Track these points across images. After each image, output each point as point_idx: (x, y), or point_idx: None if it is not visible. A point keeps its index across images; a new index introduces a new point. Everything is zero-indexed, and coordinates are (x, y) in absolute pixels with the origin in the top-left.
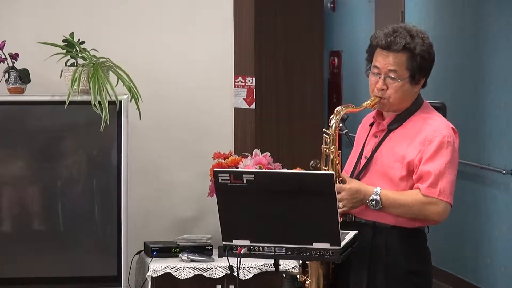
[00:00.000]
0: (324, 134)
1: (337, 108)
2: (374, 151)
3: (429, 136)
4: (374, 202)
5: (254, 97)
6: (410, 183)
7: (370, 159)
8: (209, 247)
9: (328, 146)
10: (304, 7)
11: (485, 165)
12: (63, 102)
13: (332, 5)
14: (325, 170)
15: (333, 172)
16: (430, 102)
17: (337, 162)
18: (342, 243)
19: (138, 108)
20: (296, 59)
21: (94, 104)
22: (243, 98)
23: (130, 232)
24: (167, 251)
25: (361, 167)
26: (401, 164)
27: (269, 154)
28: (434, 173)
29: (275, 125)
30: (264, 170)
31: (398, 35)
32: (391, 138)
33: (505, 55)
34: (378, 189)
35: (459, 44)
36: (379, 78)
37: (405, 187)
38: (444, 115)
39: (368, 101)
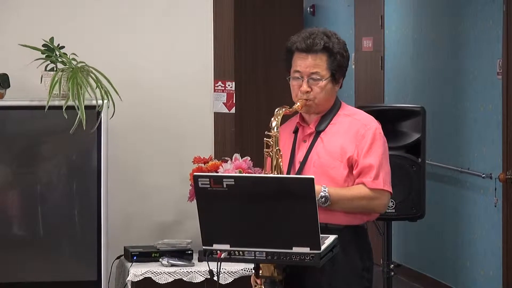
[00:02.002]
0: (265, 138)
1: (276, 110)
2: (307, 154)
3: (362, 131)
4: (323, 199)
5: (234, 102)
6: (352, 180)
7: (304, 162)
8: (189, 252)
9: (271, 149)
10: (284, 11)
11: (464, 169)
12: (42, 107)
13: (311, 10)
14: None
15: (313, 176)
16: (409, 106)
17: (281, 164)
18: (322, 247)
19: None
20: (276, 63)
21: (65, 109)
22: (223, 103)
23: (110, 236)
24: (147, 255)
25: (296, 171)
26: (341, 162)
27: (249, 158)
28: (376, 165)
29: (255, 129)
30: (244, 174)
31: (315, 37)
32: (323, 139)
33: (484, 59)
34: (324, 187)
35: (438, 48)
36: (302, 81)
37: (348, 185)
38: (424, 119)
39: (298, 104)
